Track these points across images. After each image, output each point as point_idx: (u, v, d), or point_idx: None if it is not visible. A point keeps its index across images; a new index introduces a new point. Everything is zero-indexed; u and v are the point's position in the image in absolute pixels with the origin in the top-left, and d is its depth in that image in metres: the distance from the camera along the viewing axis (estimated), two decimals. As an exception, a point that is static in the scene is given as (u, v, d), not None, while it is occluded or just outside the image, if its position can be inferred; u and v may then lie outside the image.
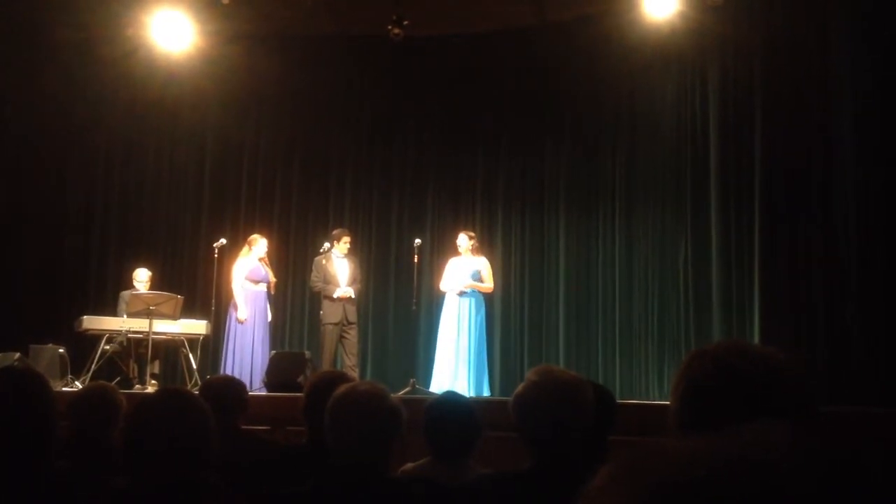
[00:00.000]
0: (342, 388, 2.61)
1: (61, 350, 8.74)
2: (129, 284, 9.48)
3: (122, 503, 2.52)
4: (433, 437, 3.19)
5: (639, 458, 0.60)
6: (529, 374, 2.53)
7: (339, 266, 9.28)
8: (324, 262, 9.25)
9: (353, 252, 9.54)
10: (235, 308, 9.22)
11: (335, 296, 9.14)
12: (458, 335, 8.93)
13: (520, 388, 2.52)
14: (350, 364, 9.04)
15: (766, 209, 8.74)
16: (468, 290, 9.01)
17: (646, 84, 10.02)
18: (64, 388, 7.91)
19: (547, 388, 2.44)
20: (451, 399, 3.50)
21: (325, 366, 8.71)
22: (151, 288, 9.40)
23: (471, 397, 8.11)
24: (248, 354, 9.11)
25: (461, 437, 3.20)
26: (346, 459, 2.55)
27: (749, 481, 0.55)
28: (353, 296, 9.21)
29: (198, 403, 2.56)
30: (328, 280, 9.21)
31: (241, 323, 9.18)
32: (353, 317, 9.24)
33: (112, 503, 2.56)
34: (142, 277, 9.46)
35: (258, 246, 9.35)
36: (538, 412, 2.42)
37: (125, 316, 8.89)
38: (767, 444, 0.58)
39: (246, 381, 8.25)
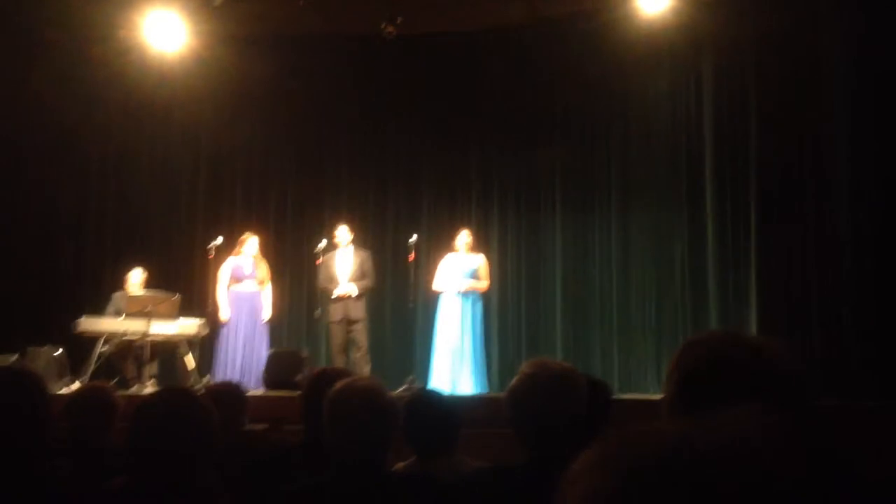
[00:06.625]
0: (339, 383, 2.62)
1: (59, 352, 8.72)
2: (123, 286, 9.45)
3: (118, 503, 2.52)
4: (413, 435, 3.18)
5: (619, 442, 0.61)
6: (523, 367, 2.53)
7: (341, 262, 9.26)
8: (325, 259, 9.25)
9: (360, 245, 9.52)
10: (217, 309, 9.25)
11: (334, 295, 9.14)
12: (462, 335, 8.92)
13: (514, 380, 2.52)
14: (357, 356, 9.02)
15: (761, 204, 8.77)
16: (469, 290, 9.02)
17: (639, 80, 10.03)
18: (62, 390, 7.90)
19: (540, 379, 2.45)
20: (428, 396, 3.50)
21: (335, 364, 8.69)
22: (146, 288, 9.38)
23: (453, 394, 8.14)
24: (237, 355, 9.08)
25: (442, 432, 3.20)
26: (345, 455, 2.56)
27: (724, 467, 0.55)
28: (353, 293, 9.20)
29: (202, 403, 2.56)
30: (331, 278, 9.21)
31: (224, 323, 9.18)
32: (356, 314, 9.15)
33: (109, 503, 2.56)
34: (135, 279, 9.43)
35: (247, 245, 9.34)
36: (532, 404, 2.43)
37: (122, 317, 8.87)
38: (746, 431, 0.58)
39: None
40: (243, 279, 9.27)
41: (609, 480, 0.59)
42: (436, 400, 3.38)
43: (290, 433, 5.33)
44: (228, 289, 9.26)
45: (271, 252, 9.85)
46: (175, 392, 2.72)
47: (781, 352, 1.44)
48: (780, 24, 8.61)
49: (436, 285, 9.14)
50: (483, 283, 9.14)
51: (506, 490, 2.47)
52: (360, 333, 9.17)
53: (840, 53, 8.17)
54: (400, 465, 3.14)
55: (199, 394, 2.79)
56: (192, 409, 2.50)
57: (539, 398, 2.41)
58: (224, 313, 9.16)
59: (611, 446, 0.61)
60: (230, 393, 3.88)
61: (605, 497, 0.58)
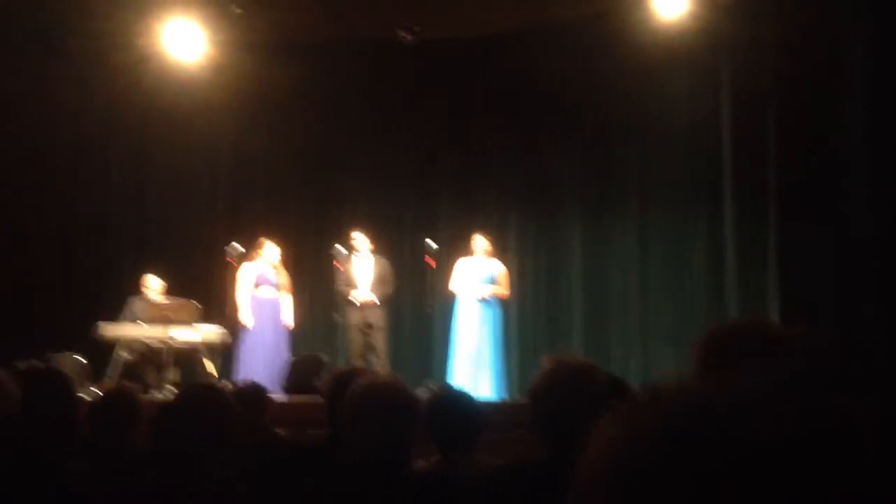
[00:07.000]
0: (360, 381, 2.64)
1: (80, 358, 8.77)
2: (140, 290, 9.49)
3: (141, 500, 2.55)
4: (439, 433, 3.19)
5: (643, 401, 0.63)
6: (543, 363, 2.55)
7: (360, 269, 9.28)
8: (345, 266, 9.27)
9: (379, 251, 9.54)
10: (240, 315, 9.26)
11: (353, 301, 9.16)
12: (481, 341, 8.93)
13: (535, 377, 2.54)
14: (376, 362, 9.03)
15: (781, 206, 8.75)
16: (487, 296, 9.03)
17: (657, 83, 10.00)
18: (84, 396, 7.92)
19: (560, 375, 2.46)
20: (452, 393, 3.52)
21: None
22: (166, 294, 9.43)
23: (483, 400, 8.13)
24: (259, 361, 9.09)
25: (467, 430, 3.21)
26: (366, 453, 2.57)
27: (748, 425, 0.56)
28: (373, 300, 9.18)
29: (224, 399, 2.58)
30: (350, 284, 9.24)
31: (247, 329, 9.20)
32: (375, 320, 9.18)
33: (131, 500, 2.58)
34: (153, 285, 9.47)
35: (267, 250, 9.37)
36: (552, 399, 2.44)
37: (143, 323, 8.92)
38: (771, 390, 0.59)
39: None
40: (265, 286, 9.31)
41: (633, 438, 0.60)
42: (459, 397, 3.40)
43: (313, 437, 5.34)
44: (250, 295, 9.29)
45: (290, 259, 9.88)
46: (199, 388, 2.75)
47: (804, 340, 1.45)
48: (797, 27, 8.58)
49: (452, 286, 9.15)
50: (503, 292, 9.15)
51: (526, 487, 2.47)
52: (379, 339, 9.19)
53: (858, 55, 8.15)
54: (423, 462, 3.16)
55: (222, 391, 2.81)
56: (215, 405, 2.52)
57: (559, 393, 2.42)
58: (248, 319, 9.19)
59: (635, 405, 0.62)
60: (253, 393, 3.90)
61: (630, 454, 0.59)
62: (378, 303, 9.19)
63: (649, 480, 0.57)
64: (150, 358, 9.01)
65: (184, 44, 9.75)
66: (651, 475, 0.58)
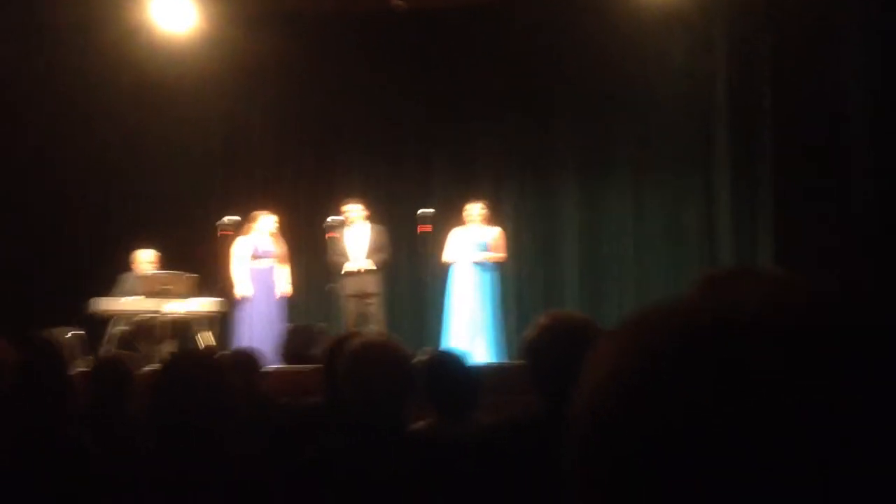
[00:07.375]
0: (355, 342, 2.63)
1: (76, 333, 8.76)
2: (131, 266, 9.46)
3: (143, 471, 2.54)
4: (435, 395, 3.19)
5: (636, 318, 0.60)
6: (539, 319, 2.53)
7: (355, 237, 9.26)
8: (338, 234, 9.26)
9: (375, 220, 9.52)
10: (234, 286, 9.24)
11: (344, 270, 9.16)
12: (476, 306, 8.93)
13: (530, 331, 2.52)
14: (374, 331, 9.02)
15: (778, 170, 8.74)
16: (482, 260, 9.03)
17: (652, 47, 9.95)
18: (79, 369, 7.92)
19: (556, 328, 2.44)
20: (448, 355, 3.53)
21: None
22: (160, 268, 9.43)
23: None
24: (255, 331, 9.09)
25: (464, 390, 3.21)
26: (362, 415, 2.56)
27: (753, 335, 0.54)
28: (369, 267, 9.18)
29: (216, 365, 2.57)
30: (343, 252, 9.22)
31: (245, 300, 9.18)
32: (372, 288, 9.17)
33: (134, 472, 2.57)
34: (146, 258, 9.42)
35: (261, 222, 9.33)
36: (551, 353, 2.42)
37: (138, 297, 8.91)
38: (772, 301, 0.57)
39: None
40: (261, 257, 9.29)
41: (626, 356, 0.58)
42: (455, 358, 3.40)
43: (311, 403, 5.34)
44: (247, 267, 9.27)
45: (286, 229, 9.86)
46: (189, 355, 2.74)
47: (798, 285, 1.42)
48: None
49: (445, 257, 9.15)
50: (500, 255, 9.13)
51: (524, 444, 2.46)
52: (376, 307, 9.19)
53: (856, 16, 8.09)
54: (420, 423, 3.15)
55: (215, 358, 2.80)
56: (206, 371, 2.51)
57: (557, 348, 2.41)
58: (246, 290, 9.17)
59: (628, 323, 0.60)
60: (245, 360, 3.90)
61: (628, 374, 0.57)
62: (375, 267, 9.16)
63: (666, 399, 0.54)
64: (146, 331, 9.01)
65: (173, 17, 9.66)
66: (669, 392, 0.54)
